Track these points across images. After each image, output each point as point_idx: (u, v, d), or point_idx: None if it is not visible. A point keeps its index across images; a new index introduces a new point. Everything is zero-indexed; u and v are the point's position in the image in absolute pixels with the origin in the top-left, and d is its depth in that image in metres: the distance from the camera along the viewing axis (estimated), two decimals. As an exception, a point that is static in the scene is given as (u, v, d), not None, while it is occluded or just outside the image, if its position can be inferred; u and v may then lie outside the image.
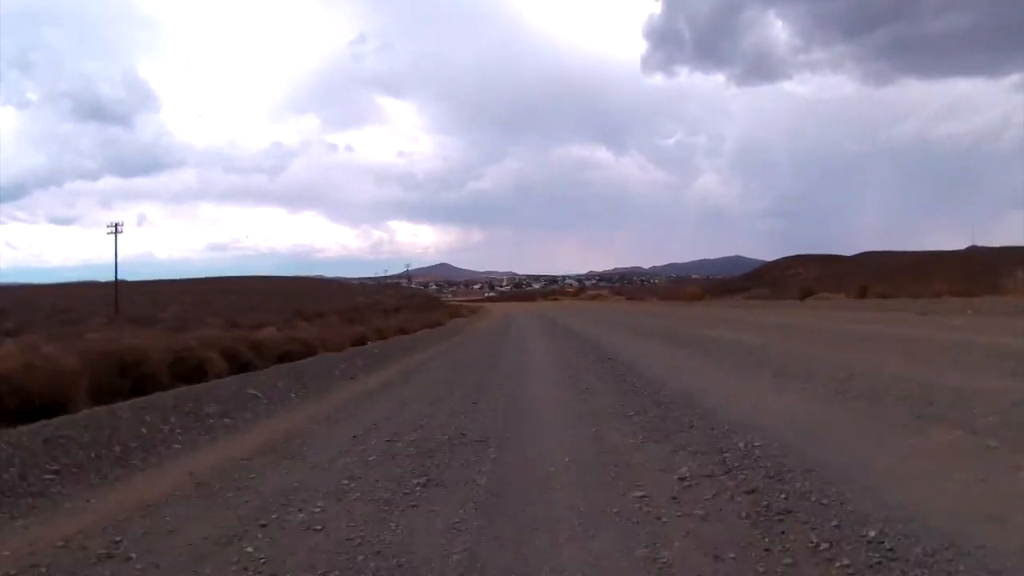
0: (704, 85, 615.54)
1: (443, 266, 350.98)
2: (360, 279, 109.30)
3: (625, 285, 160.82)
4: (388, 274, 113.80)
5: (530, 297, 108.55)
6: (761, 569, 2.26)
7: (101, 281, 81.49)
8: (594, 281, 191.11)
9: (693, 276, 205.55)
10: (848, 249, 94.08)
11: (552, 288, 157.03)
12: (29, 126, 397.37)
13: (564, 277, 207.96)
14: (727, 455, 3.65)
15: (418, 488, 3.36)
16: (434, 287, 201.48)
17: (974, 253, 66.36)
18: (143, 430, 4.82)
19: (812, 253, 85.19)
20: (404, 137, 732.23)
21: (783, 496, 2.93)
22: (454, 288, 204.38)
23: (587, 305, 67.09)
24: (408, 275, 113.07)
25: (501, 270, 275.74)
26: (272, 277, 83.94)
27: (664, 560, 2.38)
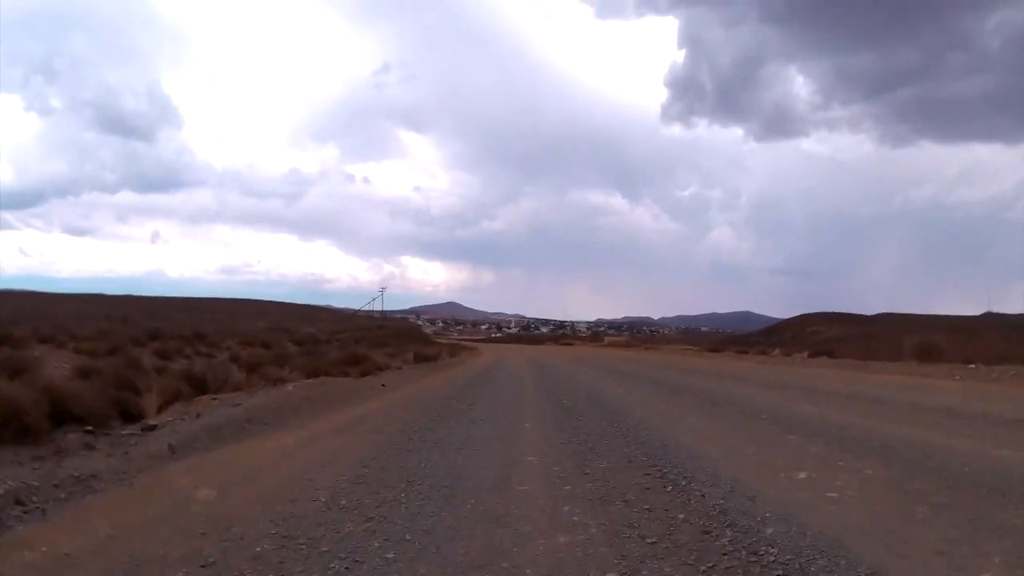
0: (722, 138, 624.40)
1: (452, 304, 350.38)
2: (366, 311, 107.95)
3: (635, 334, 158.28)
4: (368, 307, 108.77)
5: (538, 340, 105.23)
6: None
7: (109, 294, 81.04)
8: (603, 328, 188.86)
9: (703, 329, 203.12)
10: (860, 310, 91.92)
11: (562, 332, 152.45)
12: (51, 133, 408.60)
13: (573, 323, 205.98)
14: None
15: None
16: (441, 324, 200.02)
17: (991, 319, 64.55)
18: None
19: (832, 311, 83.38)
20: (421, 172, 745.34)
21: None
22: (461, 327, 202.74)
23: (631, 358, 36.08)
24: (374, 310, 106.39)
25: (510, 312, 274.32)
26: (264, 301, 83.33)
27: None
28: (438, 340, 71.84)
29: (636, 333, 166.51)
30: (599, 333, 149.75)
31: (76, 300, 59.48)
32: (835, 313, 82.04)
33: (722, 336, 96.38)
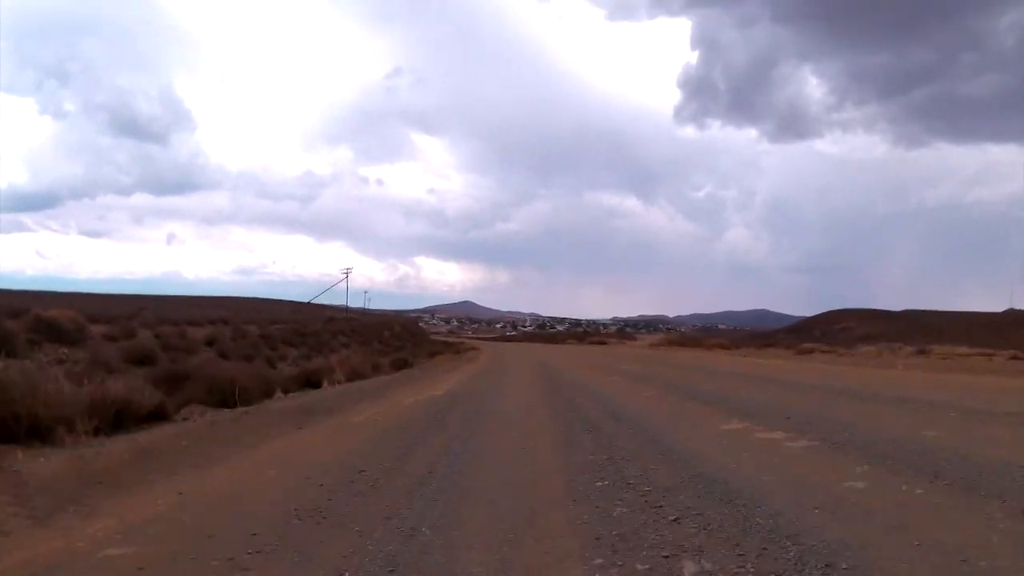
0: (736, 139, 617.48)
1: (467, 304, 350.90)
2: (384, 311, 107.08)
3: (652, 331, 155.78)
4: (319, 298, 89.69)
5: (555, 339, 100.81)
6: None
7: (125, 294, 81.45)
8: (619, 326, 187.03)
9: (720, 327, 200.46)
10: (880, 307, 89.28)
11: (580, 330, 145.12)
12: (65, 136, 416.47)
13: (590, 321, 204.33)
14: None
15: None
16: (456, 323, 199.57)
17: (1013, 315, 62.99)
18: None
19: (859, 307, 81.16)
20: (435, 174, 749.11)
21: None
22: (475, 325, 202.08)
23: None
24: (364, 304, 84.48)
25: (525, 311, 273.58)
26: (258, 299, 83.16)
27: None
28: (447, 339, 70.68)
29: (652, 332, 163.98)
30: (626, 331, 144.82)
31: (95, 299, 59.67)
32: (863, 309, 79.79)
33: (743, 333, 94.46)
